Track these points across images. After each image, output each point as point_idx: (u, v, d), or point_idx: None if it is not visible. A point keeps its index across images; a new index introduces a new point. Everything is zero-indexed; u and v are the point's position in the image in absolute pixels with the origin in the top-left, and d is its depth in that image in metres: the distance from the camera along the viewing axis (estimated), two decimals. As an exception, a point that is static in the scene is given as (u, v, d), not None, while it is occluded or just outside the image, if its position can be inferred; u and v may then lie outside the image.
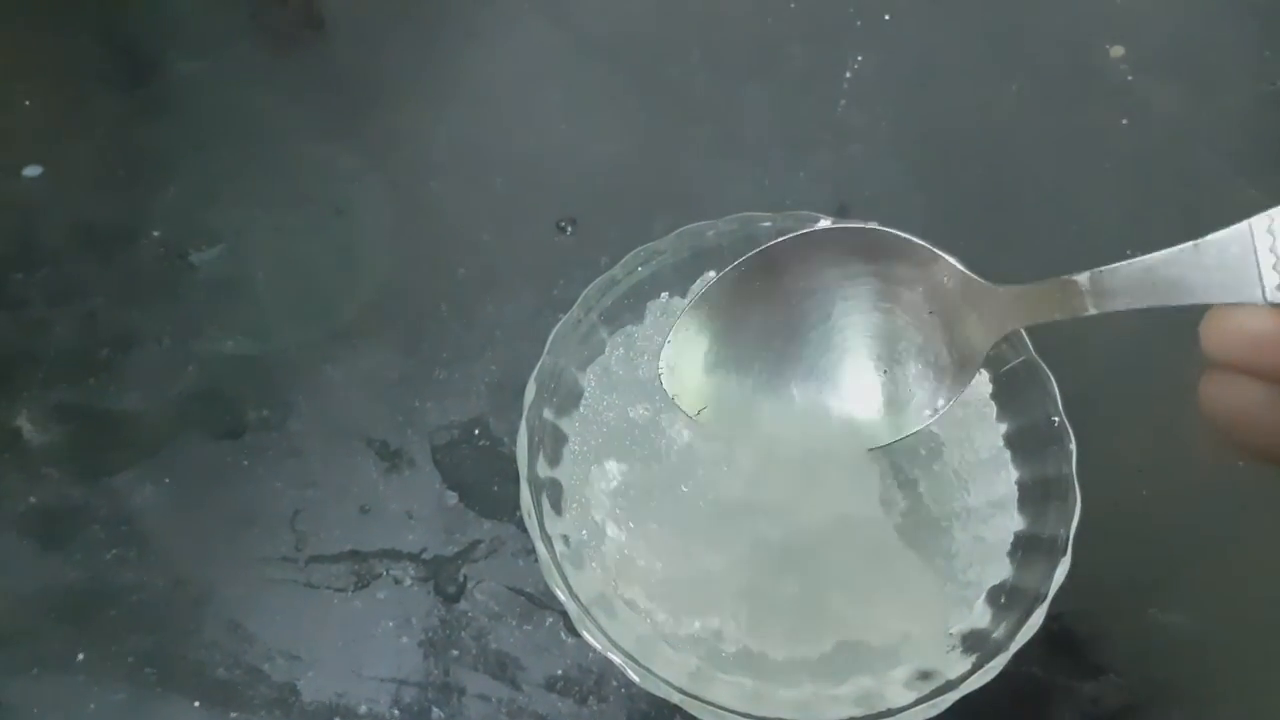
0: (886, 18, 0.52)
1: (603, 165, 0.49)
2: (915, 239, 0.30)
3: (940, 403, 0.30)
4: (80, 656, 0.38)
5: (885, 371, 0.32)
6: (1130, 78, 0.51)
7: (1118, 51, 0.51)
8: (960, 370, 0.29)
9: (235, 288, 0.45)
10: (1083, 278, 0.26)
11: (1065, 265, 0.45)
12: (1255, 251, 0.22)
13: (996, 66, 0.51)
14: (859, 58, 0.51)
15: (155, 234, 0.46)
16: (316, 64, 0.52)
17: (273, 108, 0.50)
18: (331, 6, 0.54)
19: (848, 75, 0.51)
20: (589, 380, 0.37)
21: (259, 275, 0.45)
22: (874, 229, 0.30)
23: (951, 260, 0.29)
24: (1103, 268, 0.25)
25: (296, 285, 0.45)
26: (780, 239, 0.30)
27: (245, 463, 0.41)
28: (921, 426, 0.31)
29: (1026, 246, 0.46)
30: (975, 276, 0.29)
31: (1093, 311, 0.26)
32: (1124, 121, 0.50)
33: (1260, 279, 0.22)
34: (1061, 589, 0.33)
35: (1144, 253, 0.47)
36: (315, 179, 0.48)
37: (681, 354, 0.32)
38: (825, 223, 0.37)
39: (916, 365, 0.31)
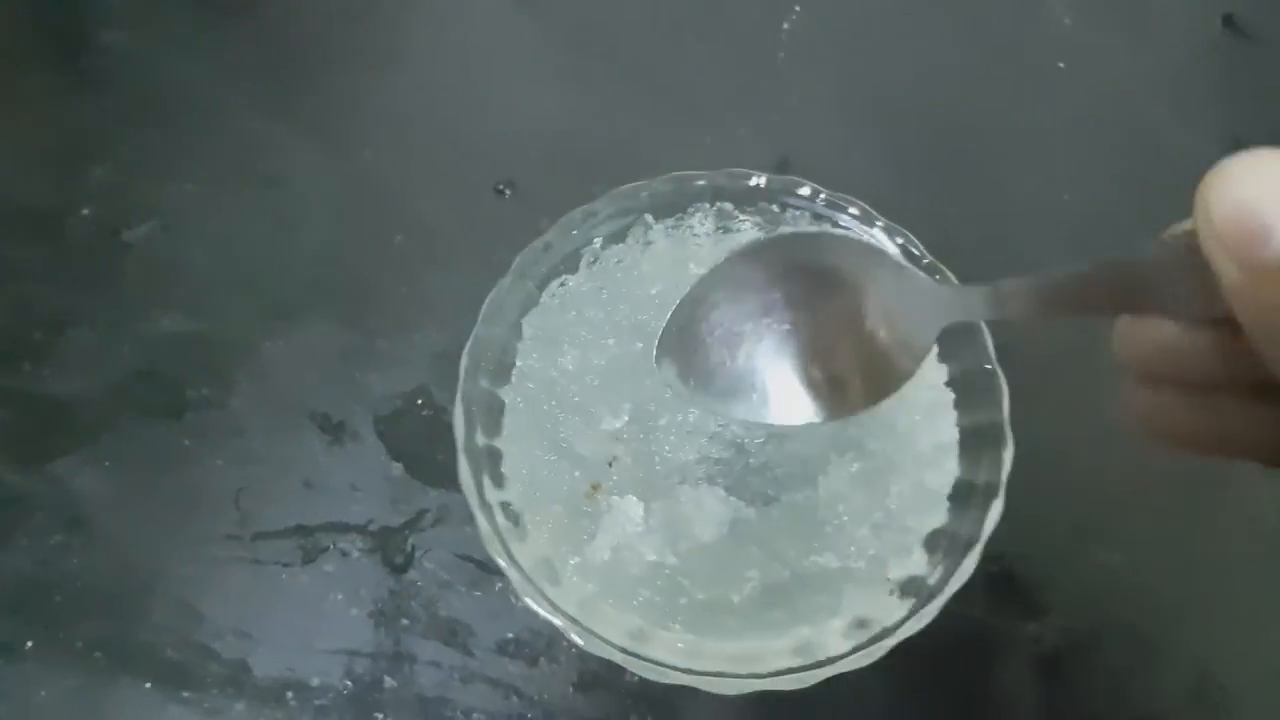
0: (823, -34, 0.52)
1: (540, 126, 0.48)
2: (869, 242, 0.32)
3: (890, 386, 0.31)
4: (29, 644, 0.38)
5: (842, 358, 0.32)
6: (1068, 20, 0.51)
7: (1055, -6, 0.51)
8: (908, 359, 0.30)
9: (171, 265, 0.45)
10: (1007, 284, 0.27)
11: (1003, 213, 0.46)
12: (1172, 266, 0.22)
13: (935, 13, 0.51)
14: (796, 8, 0.51)
15: (86, 212, 0.45)
16: (248, 34, 0.51)
17: (203, 79, 0.49)
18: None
19: (785, 27, 0.50)
20: (526, 332, 0.36)
21: (194, 251, 0.45)
22: (831, 235, 0.32)
23: (900, 259, 0.31)
24: (1021, 277, 0.26)
25: (233, 260, 0.45)
26: (750, 244, 0.31)
27: (187, 443, 0.41)
28: (872, 407, 0.32)
29: (965, 195, 0.46)
30: (919, 273, 0.29)
31: (1013, 317, 0.27)
32: (1060, 65, 0.49)
33: (1167, 293, 0.22)
34: (1002, 532, 0.34)
35: (1081, 196, 0.48)
36: (249, 152, 0.47)
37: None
38: (758, 180, 0.37)
39: (869, 352, 0.31)
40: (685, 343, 0.31)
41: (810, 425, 0.31)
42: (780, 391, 0.30)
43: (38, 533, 0.40)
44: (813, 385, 0.31)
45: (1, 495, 0.40)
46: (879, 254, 0.30)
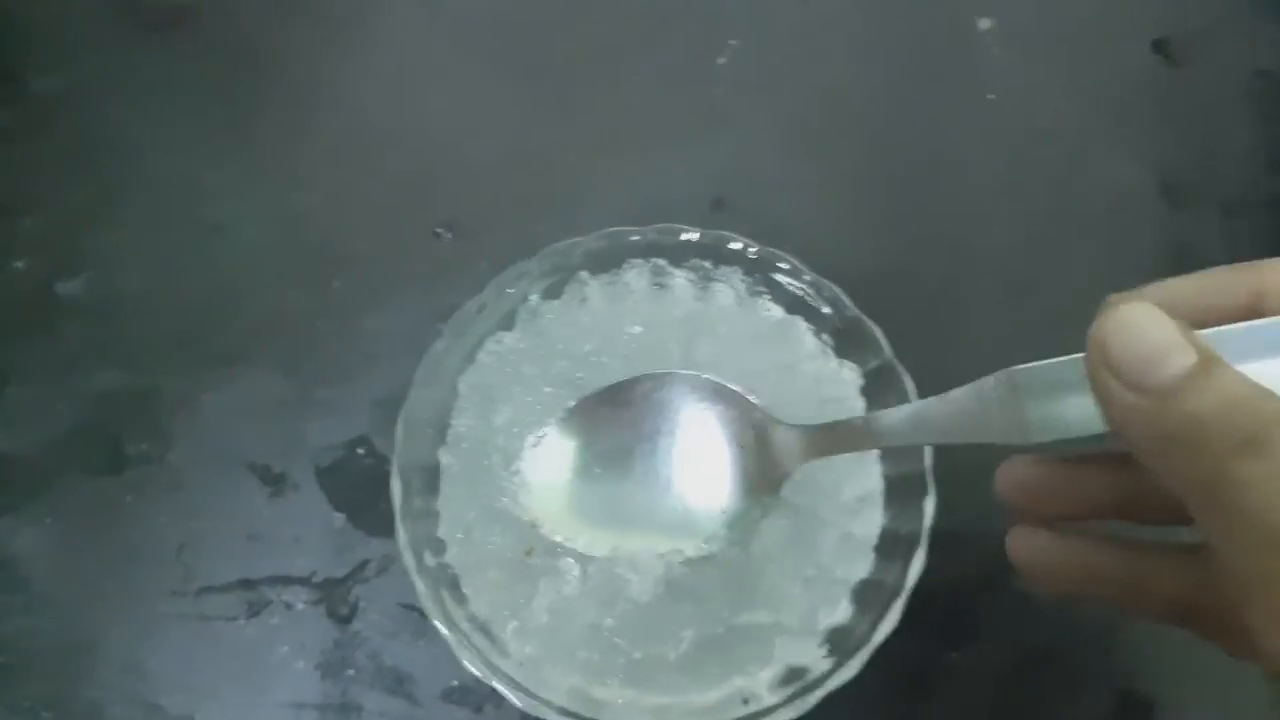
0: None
1: (478, 168, 0.48)
2: (732, 387, 0.34)
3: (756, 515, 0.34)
4: (-28, 706, 0.38)
5: (712, 485, 0.34)
6: (996, 50, 0.52)
7: (986, 24, 0.52)
8: (769, 490, 0.34)
9: (106, 317, 0.44)
10: (859, 420, 0.31)
11: (933, 247, 0.47)
12: (993, 402, 0.25)
13: (869, 46, 0.52)
14: (732, 42, 0.51)
15: (18, 265, 0.45)
16: (178, 79, 0.50)
17: (135, 124, 0.49)
18: (198, 9, 0.52)
19: (720, 61, 0.51)
20: (462, 390, 0.37)
21: (130, 302, 0.45)
22: (703, 378, 0.35)
23: (756, 404, 0.34)
24: (877, 412, 0.31)
25: (170, 311, 0.45)
26: (627, 381, 0.35)
27: (128, 499, 0.41)
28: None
29: (897, 229, 0.47)
30: (776, 420, 0.33)
31: (867, 449, 0.33)
32: (990, 96, 0.50)
33: (991, 426, 0.26)
34: (929, 572, 0.35)
35: (1012, 229, 0.49)
36: (183, 198, 0.47)
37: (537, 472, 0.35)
38: (690, 235, 0.38)
39: (737, 483, 0.34)
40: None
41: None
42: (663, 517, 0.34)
43: (-23, 594, 0.40)
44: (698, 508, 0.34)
45: (-60, 557, 0.40)
46: (743, 399, 0.34)
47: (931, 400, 0.28)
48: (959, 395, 0.27)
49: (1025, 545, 0.29)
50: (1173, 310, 0.22)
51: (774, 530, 0.34)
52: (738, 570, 0.34)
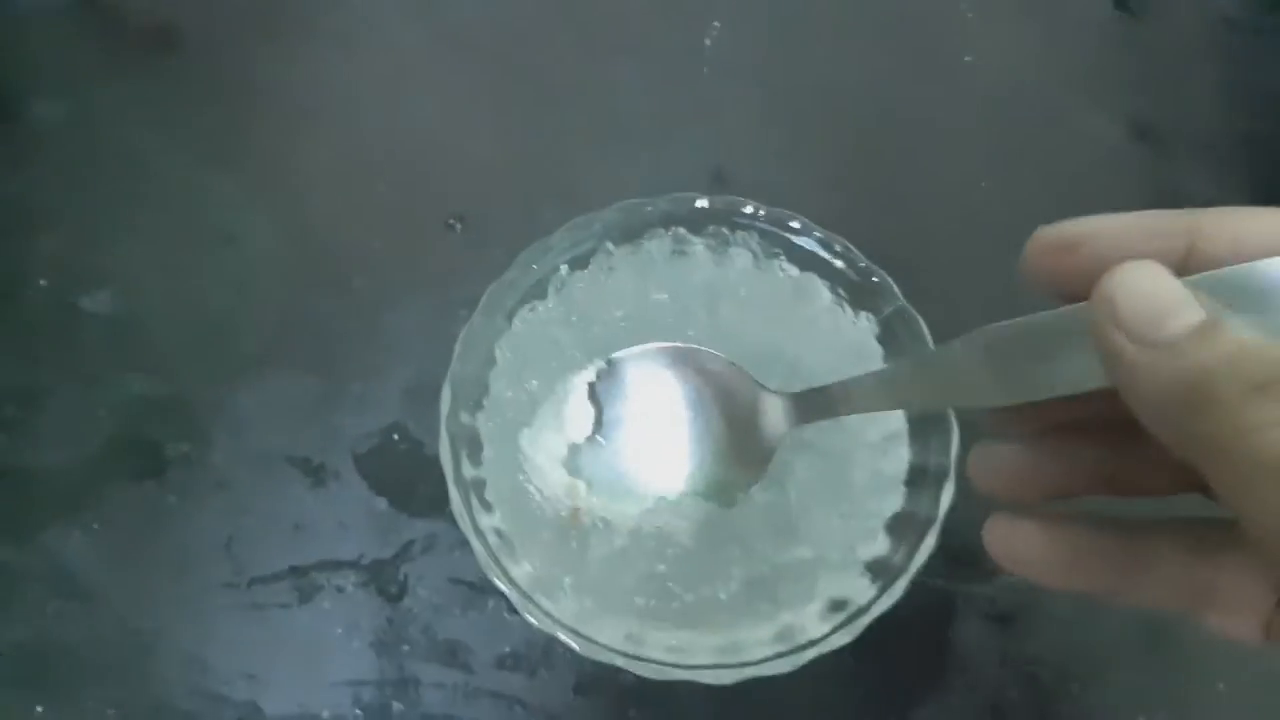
0: (737, -19, 0.54)
1: (483, 159, 0.50)
2: (719, 354, 0.36)
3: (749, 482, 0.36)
4: (39, 709, 0.39)
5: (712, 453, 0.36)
6: (970, 14, 0.54)
7: (956, -9, 0.55)
8: (759, 460, 0.35)
9: (133, 328, 0.45)
10: (836, 387, 0.32)
11: (925, 205, 0.49)
12: (967, 364, 0.26)
13: (848, 19, 0.54)
14: (715, 24, 0.53)
15: (42, 283, 0.46)
16: (181, 88, 0.52)
17: (141, 140, 0.50)
18: (186, 25, 0.53)
19: (707, 43, 0.53)
20: (499, 357, 0.38)
21: (155, 313, 0.46)
22: (694, 349, 0.36)
23: (742, 370, 0.36)
24: (849, 379, 0.31)
25: (194, 318, 0.46)
26: (628, 351, 0.37)
27: (172, 500, 0.42)
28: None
29: (888, 192, 0.49)
30: (760, 385, 0.35)
31: (845, 414, 0.32)
32: (967, 59, 0.53)
33: (967, 388, 0.26)
34: (956, 505, 0.37)
35: (1000, 183, 0.51)
36: (197, 208, 0.48)
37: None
38: (702, 202, 0.40)
39: (732, 450, 0.36)
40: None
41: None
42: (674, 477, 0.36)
43: (34, 603, 0.40)
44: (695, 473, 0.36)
45: (-6, 570, 0.41)
46: (731, 368, 0.35)
47: (903, 363, 0.29)
48: (932, 357, 0.28)
49: (1005, 536, 0.27)
50: (1111, 246, 0.22)
51: (809, 472, 0.36)
52: (779, 511, 0.36)
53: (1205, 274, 0.22)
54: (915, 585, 0.41)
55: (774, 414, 0.34)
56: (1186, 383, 0.20)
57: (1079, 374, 0.23)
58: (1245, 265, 0.21)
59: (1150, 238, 0.23)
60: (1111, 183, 0.51)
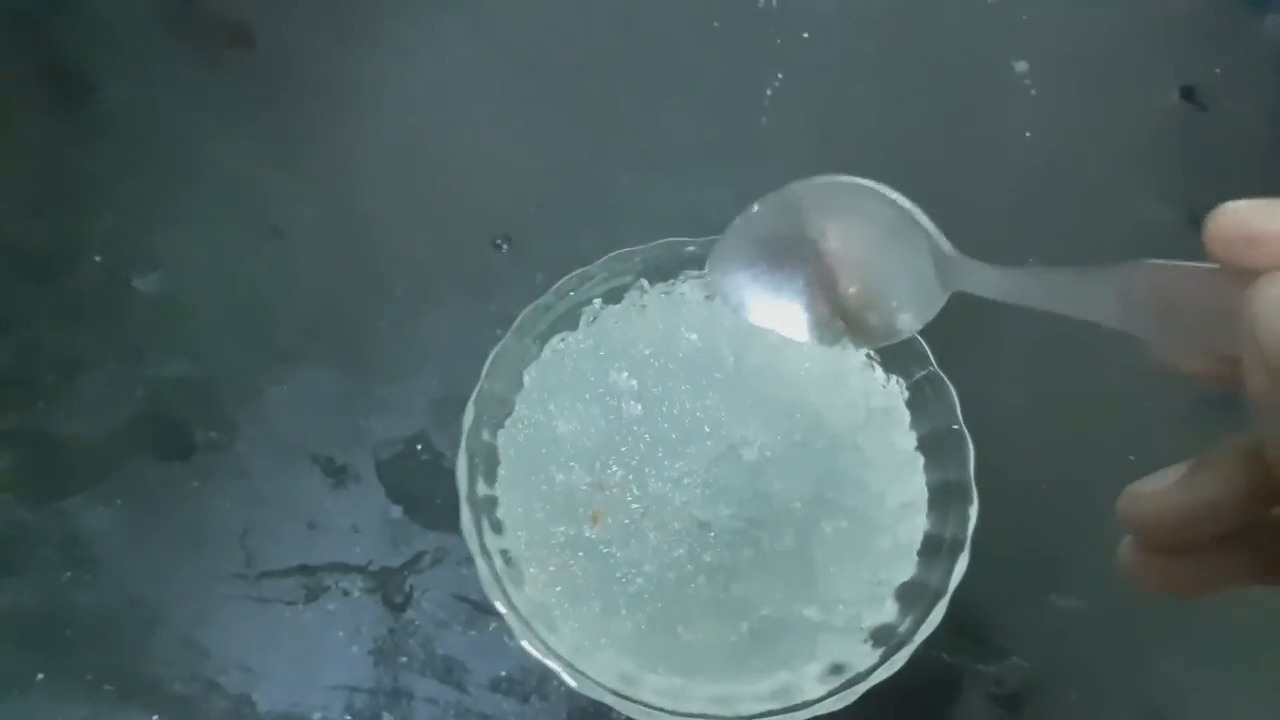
0: (805, 35, 0.55)
1: (536, 183, 0.50)
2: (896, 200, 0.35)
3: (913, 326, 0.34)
4: (40, 676, 0.39)
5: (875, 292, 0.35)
6: (1034, 92, 0.54)
7: (1022, 66, 0.54)
8: (926, 307, 0.34)
9: (178, 311, 0.46)
10: (1000, 271, 0.31)
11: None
12: (1119, 288, 0.24)
13: (908, 83, 0.54)
14: (779, 75, 0.53)
15: (97, 259, 0.47)
16: (249, 84, 0.53)
17: (206, 129, 0.51)
18: (259, 25, 0.55)
19: (768, 93, 0.53)
20: (526, 382, 0.39)
21: (201, 298, 0.47)
22: (873, 187, 0.35)
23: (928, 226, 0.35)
24: (1009, 267, 0.30)
25: (238, 307, 0.47)
26: (799, 184, 0.35)
27: (194, 483, 0.43)
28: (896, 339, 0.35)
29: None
30: (943, 243, 0.34)
31: (1002, 298, 0.30)
32: (1027, 134, 0.53)
33: (1112, 311, 0.25)
34: (967, 579, 0.36)
35: (1047, 259, 0.50)
36: (252, 200, 0.49)
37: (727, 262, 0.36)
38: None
39: (897, 296, 0.34)
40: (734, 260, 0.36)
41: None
42: (805, 315, 0.34)
43: (48, 568, 0.41)
44: (832, 316, 0.34)
45: (13, 532, 0.42)
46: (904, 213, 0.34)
47: (1066, 269, 0.27)
48: (1093, 271, 0.26)
49: (1148, 565, 0.25)
50: None
51: (836, 534, 0.36)
52: (801, 564, 0.36)
53: None
54: (921, 657, 0.41)
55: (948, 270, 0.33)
56: None
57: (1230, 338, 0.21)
58: None
59: None
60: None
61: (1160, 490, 0.23)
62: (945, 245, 0.34)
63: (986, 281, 0.32)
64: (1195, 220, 0.53)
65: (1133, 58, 0.56)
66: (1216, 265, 0.22)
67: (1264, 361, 0.19)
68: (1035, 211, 0.51)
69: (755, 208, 0.36)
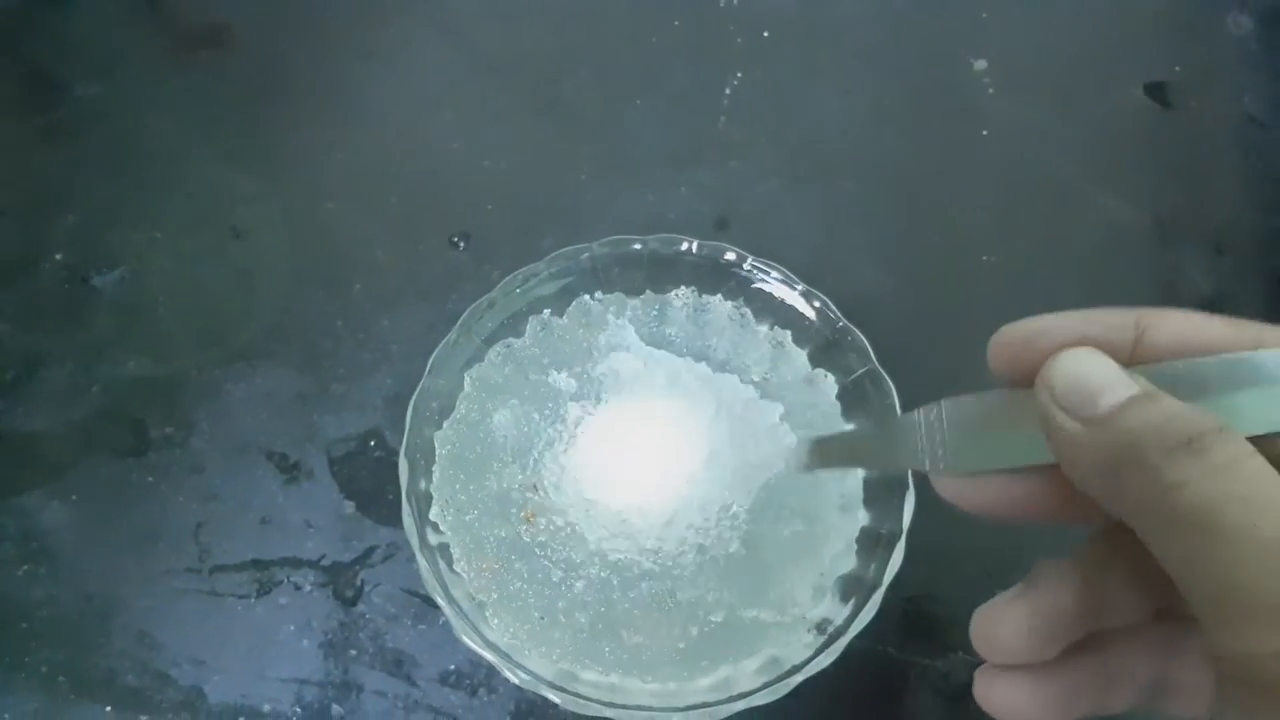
0: (765, 35, 0.55)
1: (494, 182, 0.51)
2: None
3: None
4: (-8, 669, 0.40)
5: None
6: (992, 90, 0.54)
7: (981, 65, 0.55)
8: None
9: (137, 310, 0.47)
10: (805, 442, 0.32)
11: (931, 273, 0.49)
12: (921, 435, 0.27)
13: (868, 82, 0.54)
14: (738, 74, 0.54)
15: (58, 258, 0.48)
16: (216, 89, 0.54)
17: (171, 131, 0.52)
18: (229, 28, 0.55)
19: (727, 92, 0.53)
20: (465, 390, 0.39)
21: (160, 297, 0.47)
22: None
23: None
24: (820, 436, 0.31)
25: (197, 306, 0.47)
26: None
27: (149, 479, 0.43)
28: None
29: (889, 254, 0.50)
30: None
31: (811, 471, 0.32)
32: (984, 133, 0.53)
33: (922, 455, 0.27)
34: (916, 576, 0.37)
35: (1002, 259, 0.51)
36: (215, 202, 0.50)
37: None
38: (689, 244, 0.40)
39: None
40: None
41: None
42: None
43: (4, 563, 0.42)
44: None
45: (-30, 527, 0.42)
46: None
47: (869, 426, 0.31)
48: (895, 424, 0.28)
49: (996, 692, 0.26)
50: (1065, 339, 0.24)
51: (791, 538, 0.37)
52: (755, 570, 0.36)
53: (1145, 366, 0.23)
54: (870, 652, 0.41)
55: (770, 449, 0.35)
56: (1116, 450, 0.21)
57: (1027, 449, 0.24)
58: (1184, 360, 0.23)
59: (1102, 330, 0.25)
60: (1116, 268, 0.50)
61: (1002, 605, 0.26)
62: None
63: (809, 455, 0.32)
64: (1159, 218, 0.54)
65: (1095, 55, 0.57)
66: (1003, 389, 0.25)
67: (1059, 406, 0.23)
68: (992, 208, 0.51)
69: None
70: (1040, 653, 0.25)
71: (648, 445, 0.38)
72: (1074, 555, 0.26)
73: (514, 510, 0.36)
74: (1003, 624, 0.26)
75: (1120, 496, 0.22)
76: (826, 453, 0.31)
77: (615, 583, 0.36)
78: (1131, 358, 0.24)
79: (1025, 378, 0.25)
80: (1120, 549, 0.25)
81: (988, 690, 0.26)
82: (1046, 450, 0.24)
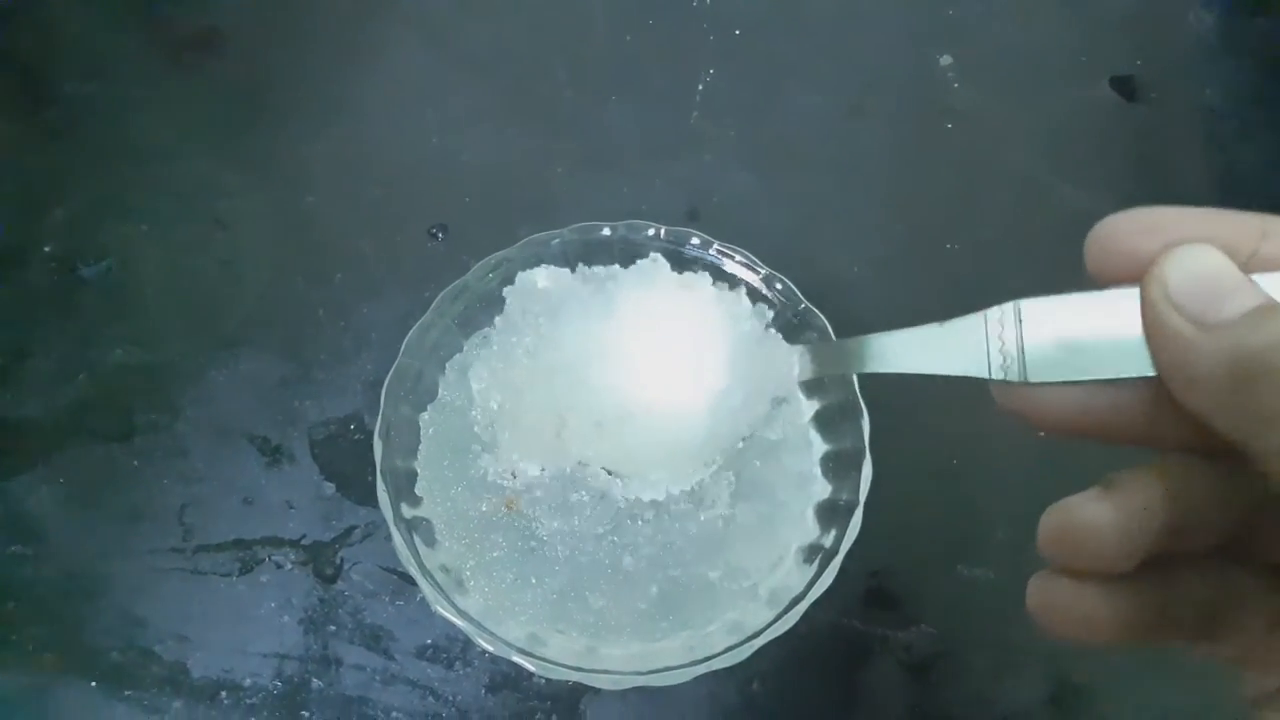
0: (737, 33, 0.56)
1: (473, 176, 0.52)
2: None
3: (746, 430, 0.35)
4: (-18, 646, 0.41)
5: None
6: (957, 85, 0.56)
7: (947, 60, 0.56)
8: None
9: (124, 299, 0.48)
10: (854, 342, 0.29)
11: (895, 261, 0.51)
12: (987, 338, 0.24)
13: (836, 77, 0.56)
14: (711, 71, 0.55)
15: (47, 250, 0.49)
16: (202, 87, 0.55)
17: (159, 128, 0.53)
18: (216, 29, 0.57)
19: (700, 88, 0.55)
20: (446, 377, 0.41)
21: (146, 287, 0.48)
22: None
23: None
24: (876, 334, 0.29)
25: (182, 296, 0.49)
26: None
27: (135, 463, 0.45)
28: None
29: (862, 244, 0.51)
30: (771, 333, 0.35)
31: (866, 370, 0.29)
32: (949, 126, 0.54)
33: (988, 361, 0.24)
34: (879, 550, 0.38)
35: (967, 249, 0.52)
36: (200, 195, 0.51)
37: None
38: (656, 229, 0.42)
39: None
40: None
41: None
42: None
43: (-6, 545, 0.43)
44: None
45: (-40, 510, 0.44)
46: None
47: (931, 326, 0.26)
48: (960, 323, 0.25)
49: (1054, 601, 0.23)
50: (1186, 235, 0.21)
51: (750, 515, 0.38)
52: (712, 531, 0.37)
53: (1267, 273, 0.21)
54: (834, 625, 0.43)
55: (783, 363, 0.32)
56: (1241, 360, 0.20)
57: (1116, 359, 0.22)
58: None
59: (1229, 230, 0.23)
60: (1080, 256, 0.52)
61: (1085, 501, 0.23)
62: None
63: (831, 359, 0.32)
64: (1123, 207, 0.55)
65: (1060, 50, 0.58)
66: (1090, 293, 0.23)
67: (1173, 305, 0.21)
68: (956, 200, 0.53)
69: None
70: (1122, 560, 0.22)
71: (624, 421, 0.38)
72: (1153, 469, 0.23)
73: (492, 497, 0.38)
74: (1088, 521, 0.22)
75: (1239, 410, 0.20)
76: (880, 352, 0.29)
77: (586, 549, 0.37)
78: (1246, 267, 0.22)
79: (1129, 276, 0.23)
80: (1196, 473, 0.23)
81: (1049, 597, 0.23)
82: (1142, 361, 0.22)
